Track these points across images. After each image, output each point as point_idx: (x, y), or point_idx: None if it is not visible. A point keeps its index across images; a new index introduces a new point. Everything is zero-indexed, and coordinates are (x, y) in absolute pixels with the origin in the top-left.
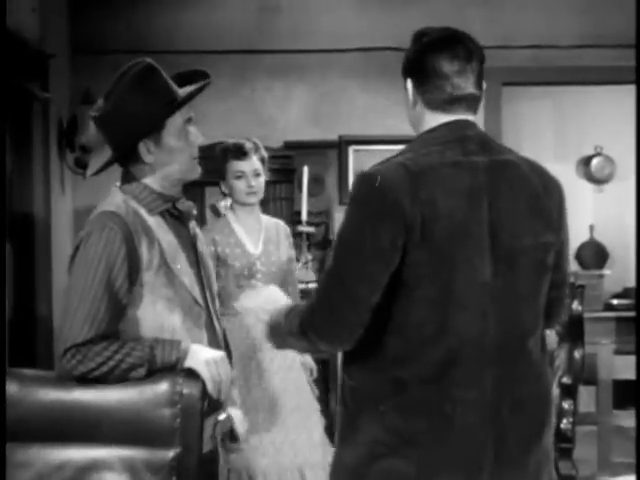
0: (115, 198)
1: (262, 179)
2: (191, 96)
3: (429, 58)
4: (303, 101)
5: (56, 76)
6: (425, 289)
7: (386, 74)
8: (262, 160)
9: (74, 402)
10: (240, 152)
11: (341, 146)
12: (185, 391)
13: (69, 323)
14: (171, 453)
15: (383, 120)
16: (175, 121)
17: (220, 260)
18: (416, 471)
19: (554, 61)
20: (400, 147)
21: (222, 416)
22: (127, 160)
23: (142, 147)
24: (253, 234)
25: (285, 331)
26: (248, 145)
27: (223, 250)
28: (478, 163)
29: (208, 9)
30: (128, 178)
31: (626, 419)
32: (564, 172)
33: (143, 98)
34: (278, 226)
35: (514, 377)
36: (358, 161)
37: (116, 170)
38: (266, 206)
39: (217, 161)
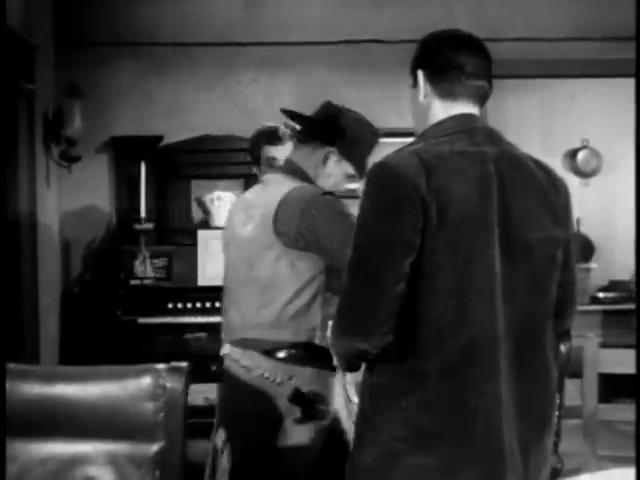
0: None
1: None
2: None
3: (445, 49)
4: (289, 93)
5: (41, 68)
6: (443, 277)
7: (373, 67)
8: None
9: (58, 396)
10: (273, 137)
11: None
12: (168, 385)
13: None
14: (154, 447)
15: (369, 113)
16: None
17: None
18: (441, 466)
19: (540, 54)
20: (386, 140)
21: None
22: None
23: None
24: None
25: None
26: (282, 130)
27: None
28: (487, 153)
29: (194, 1)
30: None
31: (611, 413)
32: (550, 165)
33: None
34: None
35: (528, 372)
36: None
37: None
38: None
39: (251, 145)
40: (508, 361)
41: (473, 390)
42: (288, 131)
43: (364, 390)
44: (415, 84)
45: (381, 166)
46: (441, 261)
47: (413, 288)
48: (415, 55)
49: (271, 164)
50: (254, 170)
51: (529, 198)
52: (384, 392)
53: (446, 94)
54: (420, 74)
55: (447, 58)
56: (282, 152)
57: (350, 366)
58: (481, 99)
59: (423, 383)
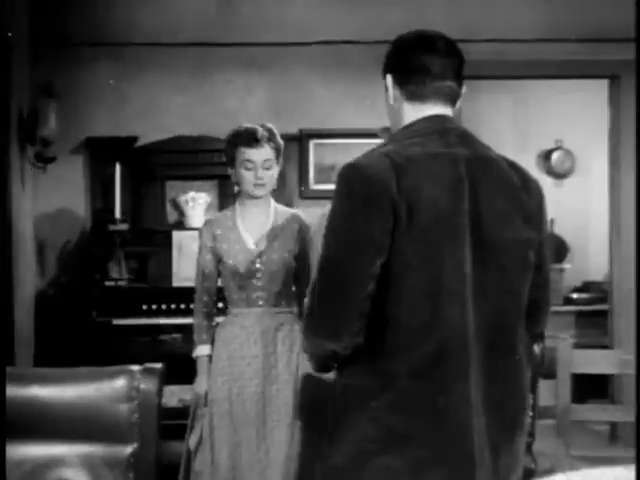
0: None
1: (273, 171)
2: None
3: (409, 53)
4: (263, 94)
5: (16, 67)
6: (413, 279)
7: (346, 67)
8: (277, 149)
9: (32, 398)
10: (252, 139)
11: (302, 139)
12: (142, 386)
13: None
14: (129, 448)
15: (343, 113)
16: None
17: (218, 257)
18: (411, 467)
19: (515, 55)
20: (360, 141)
21: None
22: None
23: None
24: (258, 230)
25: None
26: (261, 132)
27: (221, 246)
28: (459, 155)
29: (169, 2)
30: None
31: (585, 413)
32: (524, 166)
33: None
34: (292, 218)
35: (498, 373)
36: (319, 155)
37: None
38: (226, 200)
39: (227, 146)
40: (479, 362)
41: (443, 391)
42: (266, 134)
43: (336, 390)
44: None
45: (351, 167)
46: (411, 262)
47: (383, 289)
48: (384, 60)
49: (247, 167)
50: (229, 171)
51: (501, 200)
52: (355, 392)
53: (413, 96)
54: (388, 78)
55: (411, 61)
56: (259, 155)
57: (322, 366)
58: (451, 99)
59: (393, 384)
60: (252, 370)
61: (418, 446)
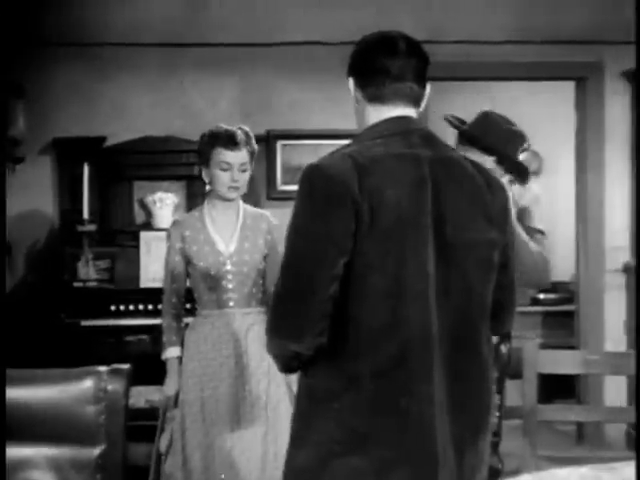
0: None
1: (247, 174)
2: None
3: (369, 55)
4: (231, 95)
5: None
6: (375, 279)
7: (314, 68)
8: (252, 153)
9: None
10: (231, 141)
11: (269, 140)
12: (109, 387)
13: None
14: (96, 450)
15: (311, 115)
16: None
17: (187, 258)
18: (374, 468)
19: (482, 56)
20: (328, 142)
21: None
22: None
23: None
24: (227, 231)
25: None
26: (240, 135)
27: (190, 247)
28: (422, 156)
29: (137, 2)
30: None
31: (551, 413)
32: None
33: None
34: (261, 219)
35: (462, 374)
36: (286, 156)
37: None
38: (194, 200)
39: (204, 146)
40: (442, 362)
41: (406, 392)
42: (244, 137)
43: (300, 390)
44: None
45: (314, 168)
46: (374, 263)
47: (346, 290)
48: (348, 63)
49: (223, 168)
50: (201, 170)
51: (464, 200)
52: (319, 393)
53: (374, 98)
54: (350, 81)
55: (372, 63)
56: (236, 158)
57: (286, 367)
58: (412, 100)
59: (356, 385)
60: (224, 371)
61: (382, 447)
